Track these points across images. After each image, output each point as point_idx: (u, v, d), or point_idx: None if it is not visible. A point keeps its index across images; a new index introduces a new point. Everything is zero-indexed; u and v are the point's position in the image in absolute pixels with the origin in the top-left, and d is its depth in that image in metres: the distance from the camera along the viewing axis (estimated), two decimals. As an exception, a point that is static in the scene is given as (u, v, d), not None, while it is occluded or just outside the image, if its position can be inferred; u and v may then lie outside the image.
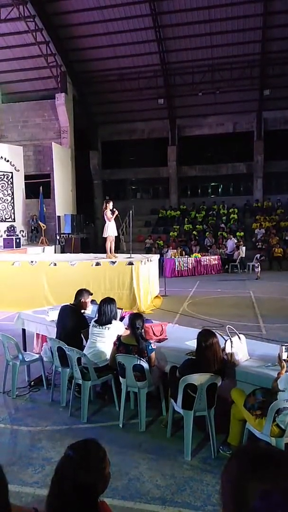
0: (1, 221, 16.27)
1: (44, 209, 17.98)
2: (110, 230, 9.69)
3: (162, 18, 17.24)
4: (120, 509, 2.76)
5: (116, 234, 10.13)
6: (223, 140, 22.69)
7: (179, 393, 3.43)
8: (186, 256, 16.31)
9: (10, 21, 16.77)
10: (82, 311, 4.85)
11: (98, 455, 1.57)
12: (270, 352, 3.90)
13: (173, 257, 15.62)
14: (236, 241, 17.39)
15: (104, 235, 9.81)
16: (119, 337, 4.13)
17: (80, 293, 4.86)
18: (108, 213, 9.51)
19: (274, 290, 11.89)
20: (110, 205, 9.57)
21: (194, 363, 3.53)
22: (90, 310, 5.05)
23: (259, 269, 14.42)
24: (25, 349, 5.56)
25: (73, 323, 4.67)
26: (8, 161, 16.67)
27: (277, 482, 0.90)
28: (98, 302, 4.56)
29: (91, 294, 4.99)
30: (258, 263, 14.46)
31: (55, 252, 15.72)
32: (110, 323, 4.31)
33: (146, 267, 9.62)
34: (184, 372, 3.50)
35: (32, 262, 9.56)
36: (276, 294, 11.20)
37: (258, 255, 16.11)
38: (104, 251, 10.07)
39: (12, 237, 14.97)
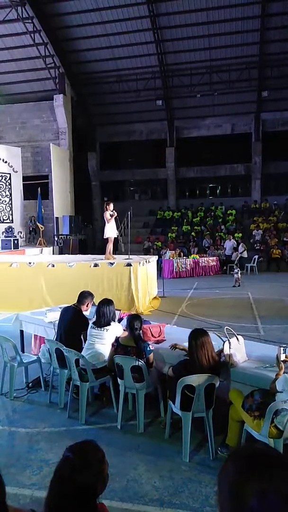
0: (-1, 222, 16.28)
1: (42, 210, 17.98)
2: (109, 231, 9.72)
3: (160, 20, 17.26)
4: (119, 510, 2.76)
5: (115, 236, 10.15)
6: (221, 142, 22.63)
7: (177, 394, 3.43)
8: (185, 257, 16.32)
9: (8, 23, 16.79)
10: (84, 312, 4.86)
11: (96, 456, 1.57)
12: (268, 353, 3.91)
13: (171, 258, 15.62)
14: (235, 242, 17.38)
15: (105, 237, 9.87)
16: (117, 339, 4.13)
17: (85, 296, 4.87)
18: (106, 214, 9.55)
19: (272, 291, 11.89)
20: (111, 206, 9.59)
21: (187, 363, 3.54)
22: (88, 311, 5.05)
23: (239, 275, 12.51)
24: (23, 351, 5.55)
25: (74, 325, 4.67)
26: (6, 162, 16.67)
27: (274, 483, 0.90)
28: (96, 304, 4.56)
29: (93, 297, 5.01)
30: (238, 269, 12.81)
31: (53, 253, 15.70)
32: (109, 324, 4.31)
33: (145, 268, 9.62)
34: (177, 372, 3.50)
35: (30, 263, 9.55)
36: (274, 295, 11.21)
37: (256, 256, 16.14)
38: (103, 252, 10.08)
39: (10, 238, 14.96)
